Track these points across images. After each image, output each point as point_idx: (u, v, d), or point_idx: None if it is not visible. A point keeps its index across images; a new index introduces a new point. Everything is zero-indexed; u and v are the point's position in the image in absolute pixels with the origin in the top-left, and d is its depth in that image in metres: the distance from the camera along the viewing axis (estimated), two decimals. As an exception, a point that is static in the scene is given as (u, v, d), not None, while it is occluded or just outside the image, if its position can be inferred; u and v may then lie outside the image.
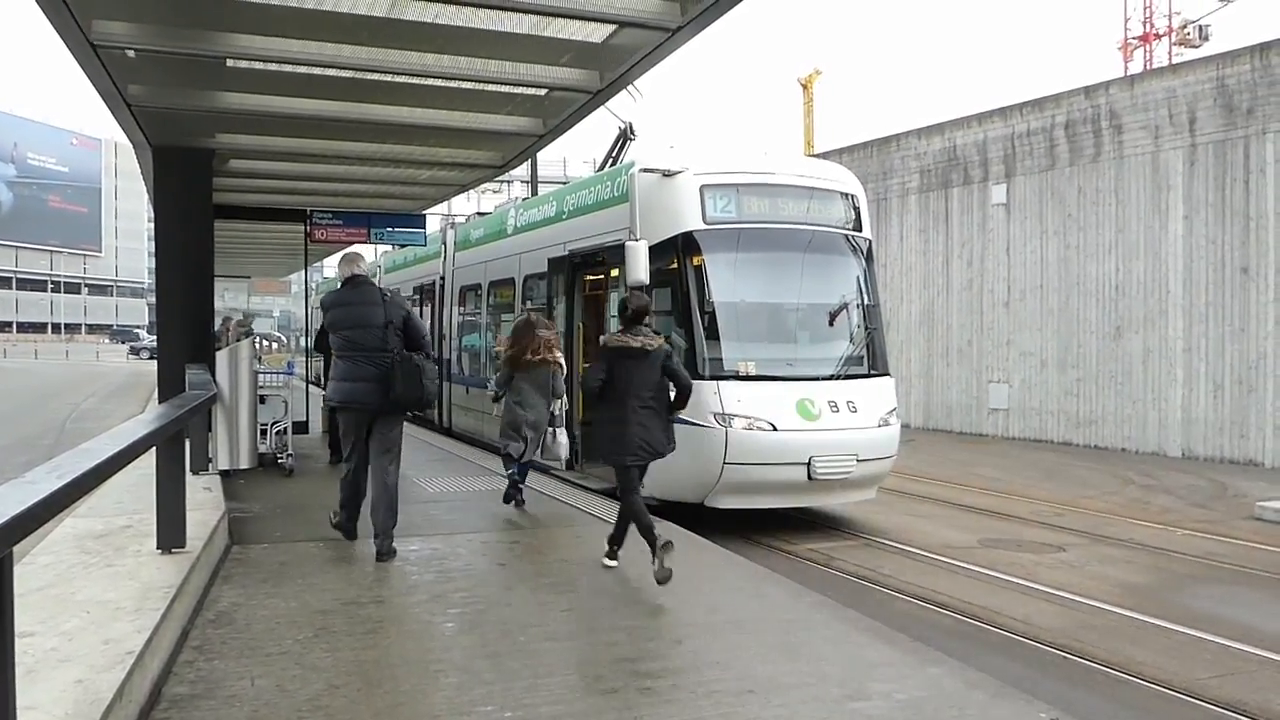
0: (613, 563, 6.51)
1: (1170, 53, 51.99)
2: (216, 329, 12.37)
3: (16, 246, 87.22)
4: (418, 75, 7.69)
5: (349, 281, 6.93)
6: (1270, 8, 64.68)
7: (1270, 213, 14.33)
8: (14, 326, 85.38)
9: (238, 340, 12.72)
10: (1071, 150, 17.35)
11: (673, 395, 6.35)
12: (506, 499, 8.76)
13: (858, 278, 10.23)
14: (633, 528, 6.22)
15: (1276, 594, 7.72)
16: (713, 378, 9.00)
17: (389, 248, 19.83)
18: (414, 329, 6.78)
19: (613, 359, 6.19)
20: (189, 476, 6.29)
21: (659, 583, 5.80)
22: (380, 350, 6.56)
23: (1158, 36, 54.99)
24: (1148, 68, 46.97)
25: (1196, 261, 15.35)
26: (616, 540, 6.51)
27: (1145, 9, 55.66)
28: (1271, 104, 14.34)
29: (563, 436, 8.74)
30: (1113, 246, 16.62)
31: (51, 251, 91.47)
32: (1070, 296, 17.37)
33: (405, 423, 7.05)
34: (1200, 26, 53.73)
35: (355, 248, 9.53)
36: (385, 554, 6.58)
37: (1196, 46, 50.15)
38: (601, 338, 7.28)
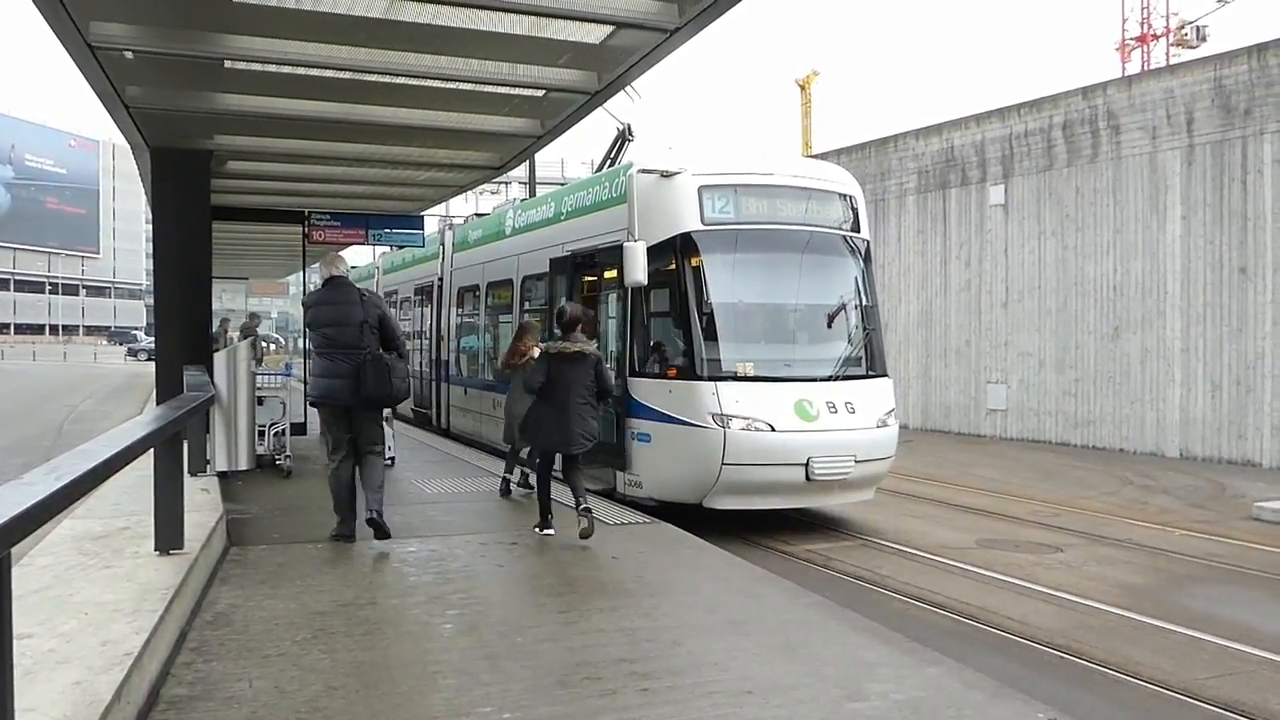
0: (549, 531, 7.50)
1: (1168, 53, 52.03)
2: (214, 330, 12.36)
3: (14, 248, 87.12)
4: (415, 76, 7.69)
5: (329, 282, 7.26)
6: (1267, 9, 64.80)
7: (1268, 213, 14.35)
8: (12, 328, 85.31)
9: (244, 339, 12.74)
10: (1069, 151, 17.37)
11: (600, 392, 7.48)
12: (505, 492, 9.41)
13: (856, 278, 10.23)
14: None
15: (1274, 594, 7.73)
16: (711, 378, 9.00)
17: (387, 249, 19.84)
18: (388, 328, 7.16)
19: (554, 362, 7.23)
20: (187, 478, 6.28)
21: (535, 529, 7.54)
22: (356, 348, 6.90)
23: (1155, 37, 55.05)
24: (1145, 68, 47.04)
25: (1194, 262, 15.36)
26: (543, 514, 7.60)
27: (1143, 10, 55.72)
28: (1269, 104, 14.35)
29: None
30: (1111, 247, 16.63)
31: (49, 253, 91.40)
32: (1068, 297, 17.38)
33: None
34: (1198, 27, 53.81)
35: (346, 250, 9.76)
36: (379, 528, 6.90)
37: (1194, 47, 50.22)
38: (542, 345, 8.36)
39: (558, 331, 7.50)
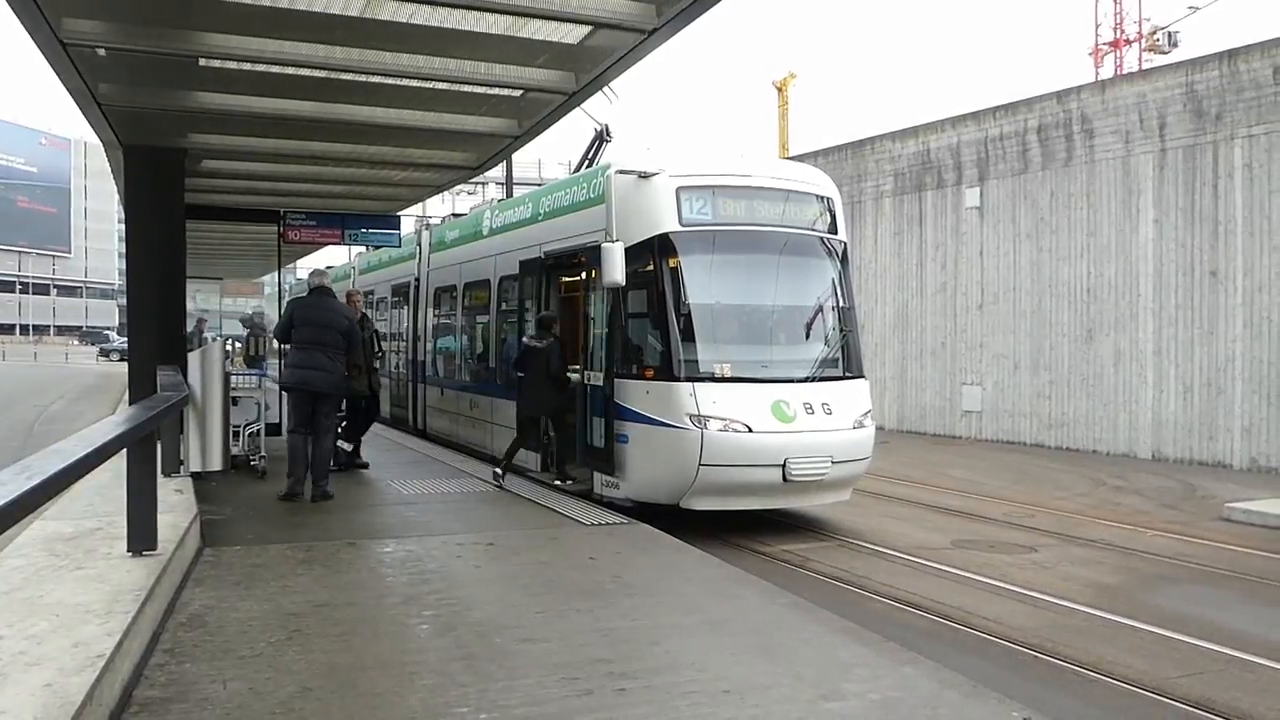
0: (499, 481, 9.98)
1: (1140, 59, 52.58)
2: (189, 330, 12.26)
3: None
4: (392, 75, 7.66)
5: (316, 290, 9.06)
6: (1238, 16, 65.64)
7: (1238, 217, 14.53)
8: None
9: (251, 337, 12.68)
10: (1044, 154, 17.52)
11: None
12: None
13: (833, 280, 10.26)
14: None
15: (1244, 594, 7.83)
16: (688, 379, 9.00)
17: (363, 249, 19.73)
18: (353, 336, 8.85)
19: (524, 354, 10.10)
20: (160, 479, 6.22)
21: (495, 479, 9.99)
22: (329, 347, 8.51)
23: (1128, 42, 55.61)
24: (1118, 73, 47.53)
25: (1166, 265, 15.53)
26: (506, 469, 10.23)
27: (1116, 15, 56.31)
28: (1240, 109, 14.54)
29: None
30: (1084, 250, 16.79)
31: (20, 252, 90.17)
32: (1042, 299, 17.53)
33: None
34: (1169, 33, 54.38)
35: (322, 249, 10.93)
36: (322, 498, 8.60)
37: (1166, 53, 50.74)
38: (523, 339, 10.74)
39: (538, 329, 10.23)
